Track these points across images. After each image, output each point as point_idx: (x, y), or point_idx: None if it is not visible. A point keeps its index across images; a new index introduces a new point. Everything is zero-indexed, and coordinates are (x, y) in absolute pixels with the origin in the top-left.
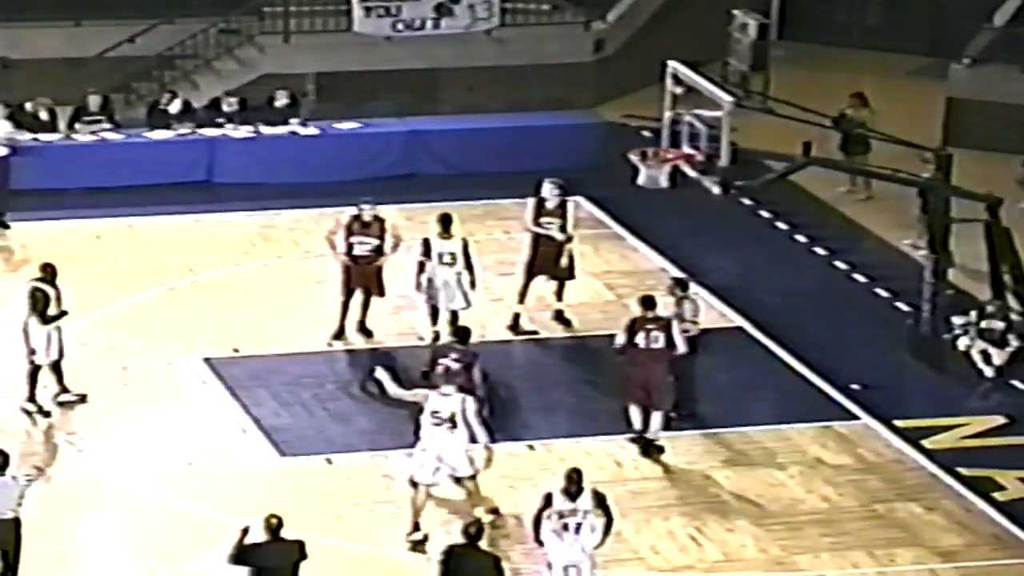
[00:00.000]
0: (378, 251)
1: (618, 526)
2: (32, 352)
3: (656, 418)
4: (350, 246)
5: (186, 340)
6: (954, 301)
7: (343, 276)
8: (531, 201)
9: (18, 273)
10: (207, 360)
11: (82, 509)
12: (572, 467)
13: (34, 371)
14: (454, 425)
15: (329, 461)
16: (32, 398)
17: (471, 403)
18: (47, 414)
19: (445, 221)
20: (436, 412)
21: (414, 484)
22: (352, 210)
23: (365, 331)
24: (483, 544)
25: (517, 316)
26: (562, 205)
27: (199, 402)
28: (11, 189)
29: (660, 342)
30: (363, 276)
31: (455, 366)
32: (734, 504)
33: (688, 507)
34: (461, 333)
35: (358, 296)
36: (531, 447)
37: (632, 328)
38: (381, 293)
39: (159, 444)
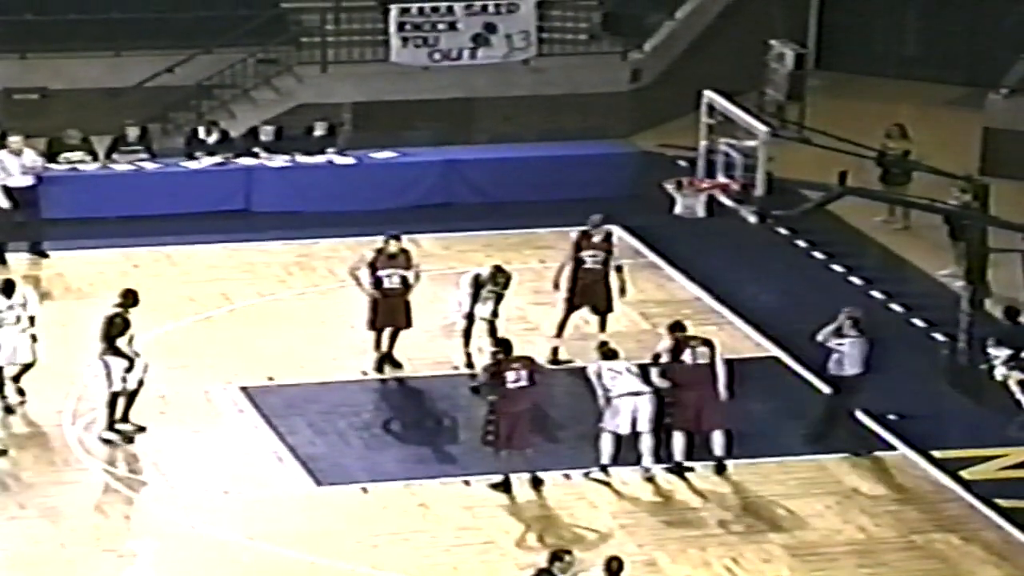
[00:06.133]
0: (405, 283)
1: (654, 555)
2: (123, 379)
3: (718, 437)
4: (378, 280)
5: (222, 368)
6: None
7: (369, 313)
8: (574, 233)
9: (56, 302)
10: (243, 388)
11: (118, 536)
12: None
13: (124, 395)
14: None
15: (365, 490)
16: (126, 418)
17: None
18: (142, 428)
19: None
20: (611, 368)
21: (617, 436)
22: (378, 243)
23: (394, 363)
24: None
25: (556, 349)
26: (607, 238)
27: (235, 430)
28: (45, 218)
29: (707, 358)
30: (391, 310)
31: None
32: (770, 534)
33: (724, 537)
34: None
35: (387, 329)
36: (567, 476)
37: (677, 347)
38: (408, 325)
39: (195, 472)
